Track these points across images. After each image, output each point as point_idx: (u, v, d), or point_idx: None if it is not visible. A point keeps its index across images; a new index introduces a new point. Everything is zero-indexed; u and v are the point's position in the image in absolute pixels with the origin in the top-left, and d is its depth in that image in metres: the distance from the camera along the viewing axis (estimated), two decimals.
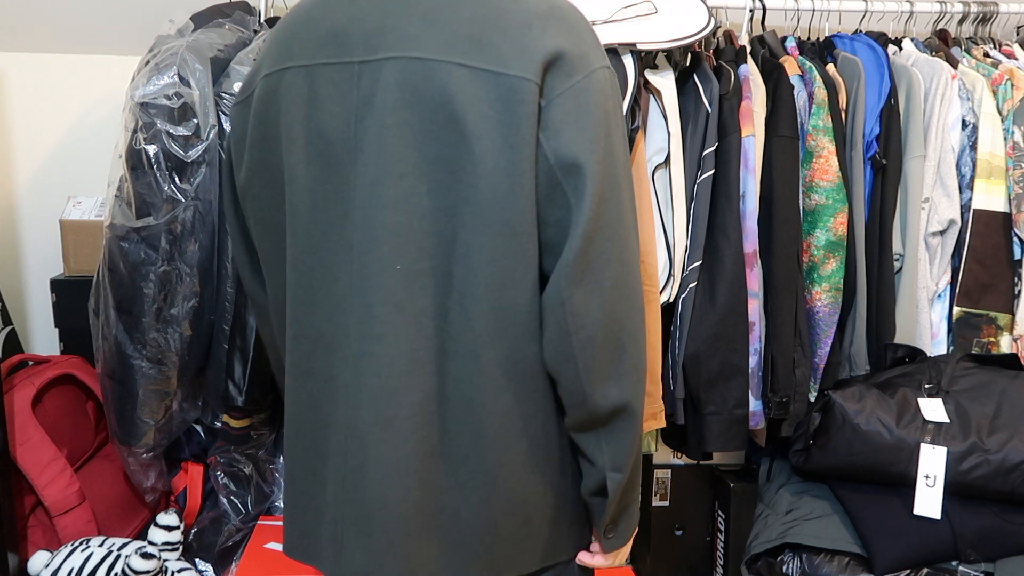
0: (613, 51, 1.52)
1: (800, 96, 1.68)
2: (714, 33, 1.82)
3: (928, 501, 1.52)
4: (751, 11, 1.83)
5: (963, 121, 1.75)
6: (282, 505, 1.20)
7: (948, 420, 1.55)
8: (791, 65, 1.71)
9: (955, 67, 1.79)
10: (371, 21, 0.93)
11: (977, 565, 1.54)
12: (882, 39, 1.85)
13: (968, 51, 1.90)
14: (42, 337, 2.23)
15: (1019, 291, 1.75)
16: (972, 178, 1.73)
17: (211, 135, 1.54)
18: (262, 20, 1.83)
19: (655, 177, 1.63)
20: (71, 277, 1.98)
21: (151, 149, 1.53)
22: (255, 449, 1.89)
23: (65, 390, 1.90)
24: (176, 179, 1.55)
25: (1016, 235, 1.74)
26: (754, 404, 1.66)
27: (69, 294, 1.95)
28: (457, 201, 0.91)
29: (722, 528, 2.07)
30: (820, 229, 1.67)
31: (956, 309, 1.74)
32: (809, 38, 1.89)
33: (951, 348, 1.76)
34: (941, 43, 1.91)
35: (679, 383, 1.64)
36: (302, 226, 0.98)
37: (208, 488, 1.93)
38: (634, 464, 1.01)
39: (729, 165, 1.62)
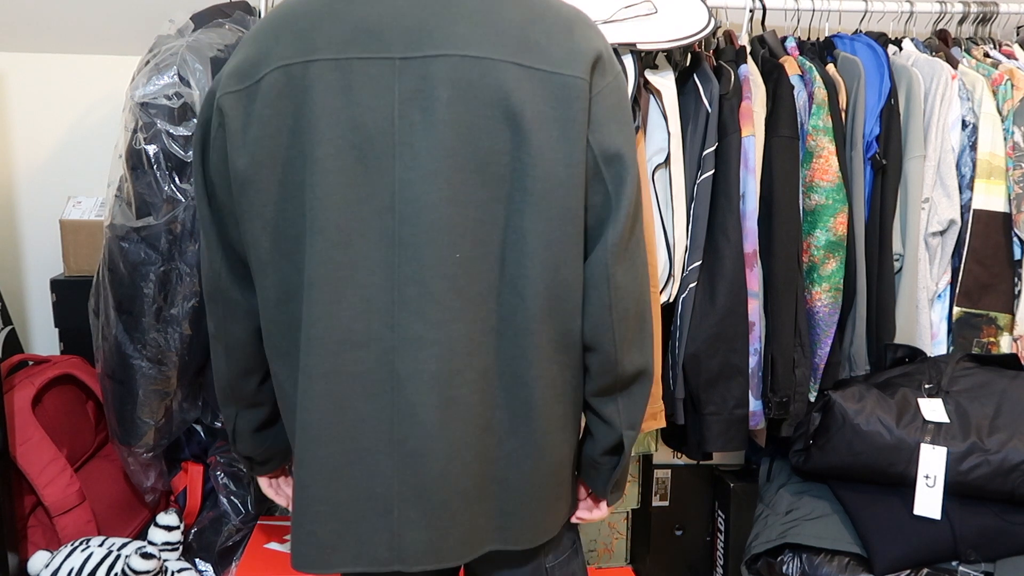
0: (613, 51, 1.52)
1: (800, 96, 1.68)
2: (714, 33, 1.82)
3: (928, 501, 1.52)
4: (751, 11, 1.83)
5: (963, 121, 1.75)
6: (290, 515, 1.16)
7: (948, 420, 1.55)
8: (791, 65, 1.71)
9: (955, 67, 1.79)
10: (408, 19, 0.96)
11: (977, 565, 1.54)
12: (882, 39, 1.85)
13: (968, 51, 1.90)
14: (42, 337, 2.23)
15: (1019, 291, 1.75)
16: (972, 178, 1.73)
17: None
18: None
19: (655, 177, 1.63)
20: (71, 277, 1.98)
21: (151, 149, 1.53)
22: None
23: (65, 390, 1.90)
24: (176, 179, 1.55)
25: (1016, 235, 1.74)
26: (754, 404, 1.66)
27: (69, 294, 1.95)
28: (511, 191, 0.98)
29: (722, 528, 2.07)
30: (820, 229, 1.67)
31: (956, 309, 1.74)
32: (809, 38, 1.89)
33: (951, 348, 1.76)
34: (941, 43, 1.91)
35: (679, 383, 1.64)
36: (332, 220, 0.97)
37: (208, 488, 1.93)
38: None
39: (729, 165, 1.62)
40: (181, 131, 1.53)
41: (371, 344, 0.99)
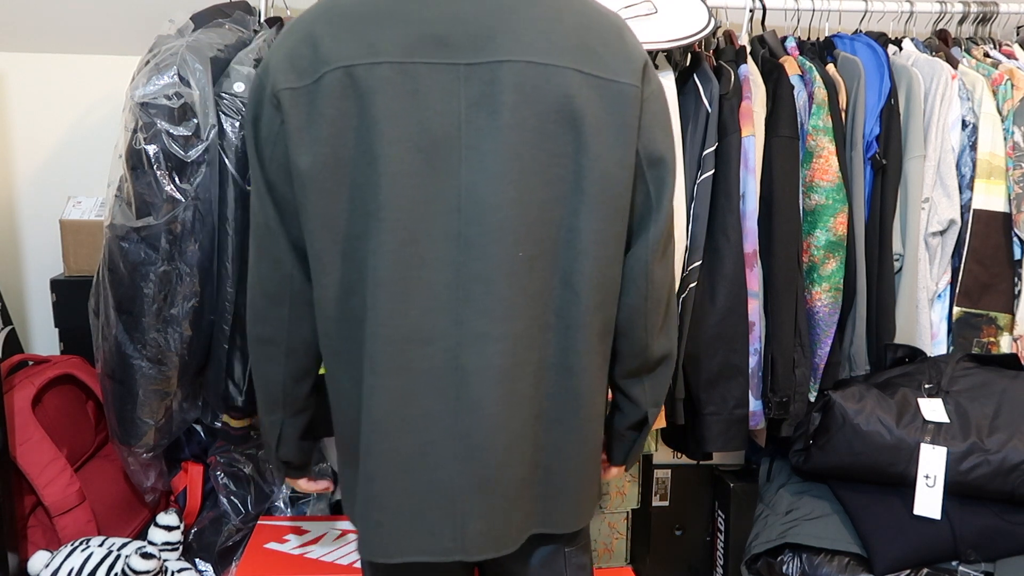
0: None
1: (800, 96, 1.68)
2: (714, 33, 1.82)
3: (928, 501, 1.52)
4: (751, 11, 1.83)
5: (963, 121, 1.75)
6: (349, 509, 1.17)
7: (948, 420, 1.55)
8: (791, 65, 1.71)
9: (955, 67, 1.79)
10: (473, 25, 0.99)
11: (977, 565, 1.54)
12: (882, 39, 1.85)
13: (968, 51, 1.90)
14: (42, 337, 2.23)
15: (1019, 291, 1.75)
16: (972, 178, 1.73)
17: (211, 135, 1.54)
18: (262, 20, 1.83)
19: None
20: (71, 277, 1.98)
21: (151, 149, 1.52)
22: (255, 449, 1.89)
23: (65, 390, 1.90)
24: (176, 179, 1.55)
25: (1016, 235, 1.74)
26: (754, 404, 1.66)
27: (69, 294, 1.95)
28: (568, 191, 1.03)
29: (722, 528, 2.07)
30: (820, 229, 1.67)
31: (956, 309, 1.74)
32: (809, 38, 1.89)
33: (951, 348, 1.76)
34: (941, 43, 1.91)
35: (679, 383, 1.64)
36: (400, 221, 1.00)
37: (208, 488, 1.93)
38: None
39: (729, 165, 1.62)
40: (181, 131, 1.53)
41: (436, 340, 1.03)
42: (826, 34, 1.90)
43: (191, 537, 1.90)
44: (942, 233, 1.74)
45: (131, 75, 1.59)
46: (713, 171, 1.62)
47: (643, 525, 2.14)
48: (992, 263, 1.73)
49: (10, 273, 2.20)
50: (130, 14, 2.00)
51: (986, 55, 1.89)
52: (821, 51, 1.84)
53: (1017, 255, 1.75)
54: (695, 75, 1.65)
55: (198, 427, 1.94)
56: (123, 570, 1.66)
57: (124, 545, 1.75)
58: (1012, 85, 1.75)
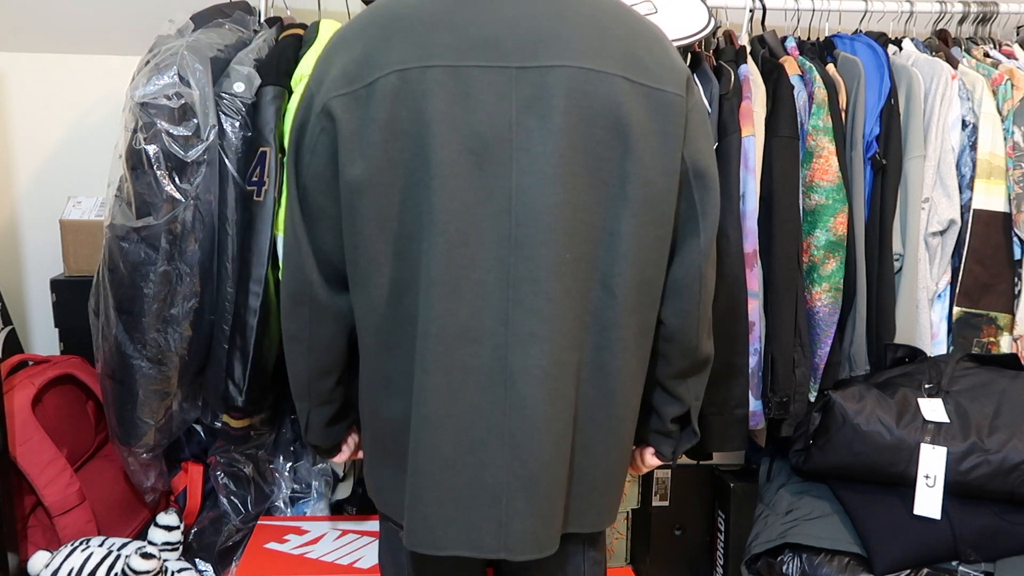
0: None
1: (800, 96, 1.68)
2: (714, 33, 1.82)
3: (928, 501, 1.52)
4: (751, 11, 1.84)
5: (963, 121, 1.75)
6: (387, 502, 1.21)
7: (948, 420, 1.55)
8: (791, 65, 1.71)
9: (955, 67, 1.79)
10: (523, 31, 1.01)
11: (977, 565, 1.54)
12: (882, 39, 1.85)
13: (968, 51, 1.90)
14: (42, 337, 2.23)
15: (1019, 291, 1.75)
16: (972, 178, 1.73)
17: (211, 135, 1.54)
18: (262, 20, 1.83)
19: None
20: (71, 277, 1.98)
21: (151, 149, 1.52)
22: (255, 449, 1.89)
23: (65, 390, 1.90)
24: (176, 179, 1.55)
25: (1016, 235, 1.74)
26: (754, 404, 1.66)
27: (69, 294, 1.95)
28: (611, 195, 1.05)
29: (722, 528, 2.07)
30: (820, 229, 1.67)
31: (956, 309, 1.74)
32: (809, 38, 1.89)
33: (951, 348, 1.76)
34: (941, 43, 1.91)
35: None
36: (452, 222, 1.02)
37: (208, 488, 1.93)
38: None
39: (729, 165, 1.62)
40: (181, 131, 1.53)
41: (485, 339, 1.05)
42: (826, 34, 1.90)
43: (191, 537, 1.89)
44: (942, 233, 1.74)
45: (131, 75, 1.59)
46: None
47: (643, 525, 2.14)
48: (992, 263, 1.73)
49: (10, 273, 2.20)
50: (130, 14, 2.00)
51: (986, 55, 1.89)
52: (821, 51, 1.84)
53: (1017, 255, 1.75)
54: (695, 75, 1.65)
55: (198, 427, 1.93)
56: (123, 570, 1.66)
57: (124, 545, 1.75)
58: (1012, 85, 1.75)
